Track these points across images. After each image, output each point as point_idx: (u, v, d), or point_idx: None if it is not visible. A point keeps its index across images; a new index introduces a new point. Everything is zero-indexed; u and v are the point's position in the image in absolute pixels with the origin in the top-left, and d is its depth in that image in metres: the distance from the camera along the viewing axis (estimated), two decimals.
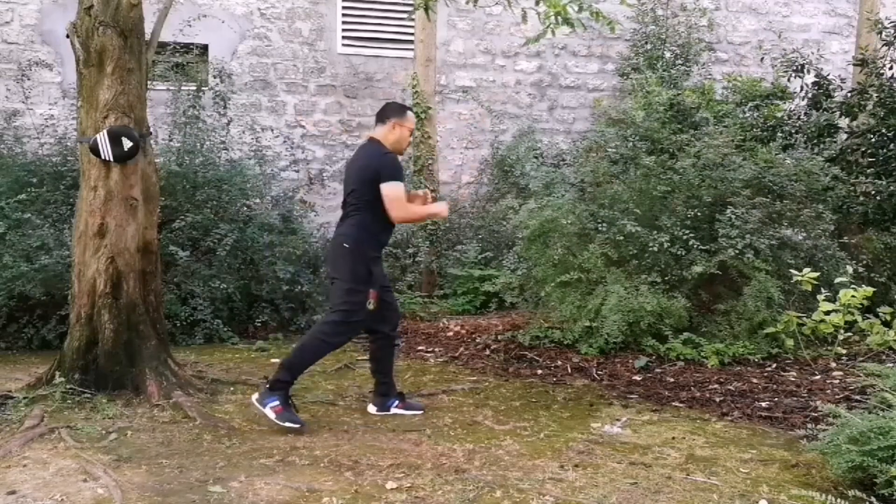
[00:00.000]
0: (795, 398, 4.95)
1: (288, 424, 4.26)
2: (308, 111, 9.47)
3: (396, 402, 4.70)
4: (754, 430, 4.41)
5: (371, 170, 4.47)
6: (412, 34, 8.97)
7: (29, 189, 6.56)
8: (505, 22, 9.90)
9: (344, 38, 9.51)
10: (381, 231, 4.55)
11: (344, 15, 9.50)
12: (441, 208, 4.75)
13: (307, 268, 7.27)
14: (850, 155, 7.45)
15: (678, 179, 6.49)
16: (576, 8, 4.16)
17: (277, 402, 4.30)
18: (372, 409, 4.72)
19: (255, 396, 4.42)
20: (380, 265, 4.60)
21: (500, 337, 6.59)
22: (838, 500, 3.02)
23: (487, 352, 6.30)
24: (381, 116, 4.63)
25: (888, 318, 5.99)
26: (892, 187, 6.92)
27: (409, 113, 4.68)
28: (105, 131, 4.66)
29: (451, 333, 7.04)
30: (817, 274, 5.89)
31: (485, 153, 9.88)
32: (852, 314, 5.92)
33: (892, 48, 7.41)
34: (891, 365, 4.67)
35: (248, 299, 7.04)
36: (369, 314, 4.45)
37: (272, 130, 8.43)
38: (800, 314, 5.92)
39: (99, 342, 4.75)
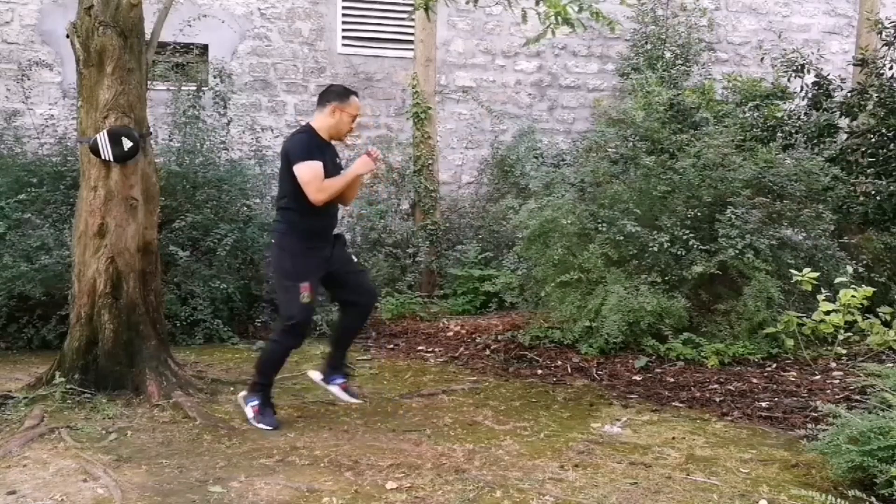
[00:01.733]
0: (795, 398, 4.95)
1: (261, 426, 4.29)
2: (308, 111, 9.42)
3: (341, 380, 4.57)
4: (754, 430, 4.41)
5: (283, 155, 4.26)
6: (412, 34, 8.96)
7: (29, 189, 6.56)
8: (505, 22, 9.89)
9: (344, 38, 9.51)
10: (305, 218, 4.22)
11: (344, 15, 9.50)
12: (362, 167, 4.33)
13: None
14: (850, 155, 7.45)
15: (678, 179, 6.49)
16: (576, 8, 4.15)
17: (257, 403, 4.38)
18: (315, 374, 4.60)
19: (241, 394, 4.51)
20: (315, 255, 4.26)
21: (500, 337, 6.58)
22: (838, 500, 3.02)
23: (487, 352, 6.30)
24: (321, 100, 4.34)
25: (888, 318, 5.99)
26: (892, 187, 6.92)
27: (353, 98, 4.33)
28: (105, 131, 4.67)
29: (451, 333, 7.04)
30: (817, 274, 5.89)
31: (485, 153, 9.88)
32: (852, 314, 5.92)
33: (892, 48, 7.42)
34: (891, 365, 4.68)
35: (248, 299, 7.04)
36: (306, 306, 4.21)
37: (272, 130, 8.43)
38: (800, 314, 5.92)
39: (99, 342, 4.76)
